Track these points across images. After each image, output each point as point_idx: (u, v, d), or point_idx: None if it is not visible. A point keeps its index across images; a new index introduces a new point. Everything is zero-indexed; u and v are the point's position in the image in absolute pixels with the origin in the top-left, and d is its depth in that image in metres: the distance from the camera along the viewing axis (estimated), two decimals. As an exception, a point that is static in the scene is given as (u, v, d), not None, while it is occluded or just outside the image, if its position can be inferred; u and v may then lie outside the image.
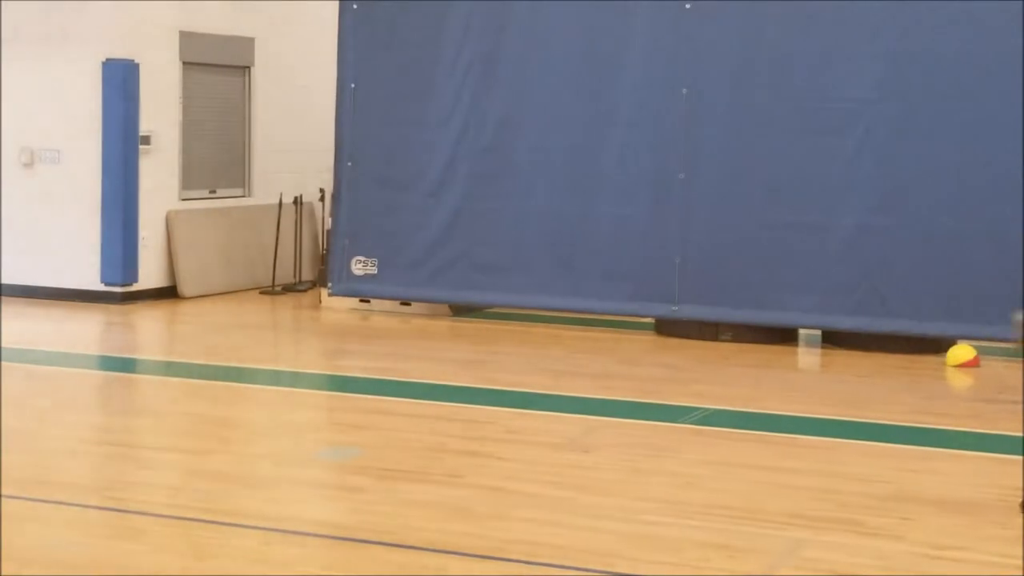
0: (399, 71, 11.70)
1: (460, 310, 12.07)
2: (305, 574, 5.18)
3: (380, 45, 11.76)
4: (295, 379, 9.37)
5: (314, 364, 10.33)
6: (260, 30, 13.55)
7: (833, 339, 10.67)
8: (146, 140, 12.32)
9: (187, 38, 12.78)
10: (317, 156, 13.05)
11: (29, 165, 12.41)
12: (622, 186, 11.01)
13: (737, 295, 10.63)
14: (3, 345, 10.07)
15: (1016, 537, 5.66)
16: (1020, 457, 6.90)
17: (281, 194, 13.49)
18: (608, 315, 11.39)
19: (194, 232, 12.81)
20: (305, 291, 13.32)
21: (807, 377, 10.10)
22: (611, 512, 5.98)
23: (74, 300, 12.20)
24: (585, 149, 11.14)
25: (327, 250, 12.49)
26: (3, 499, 6.04)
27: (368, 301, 12.12)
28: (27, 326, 11.07)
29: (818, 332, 10.83)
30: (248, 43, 13.50)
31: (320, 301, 12.44)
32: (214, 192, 13.33)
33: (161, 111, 12.52)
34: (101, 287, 12.20)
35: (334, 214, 12.06)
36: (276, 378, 9.28)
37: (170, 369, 9.87)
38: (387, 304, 12.08)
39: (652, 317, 11.17)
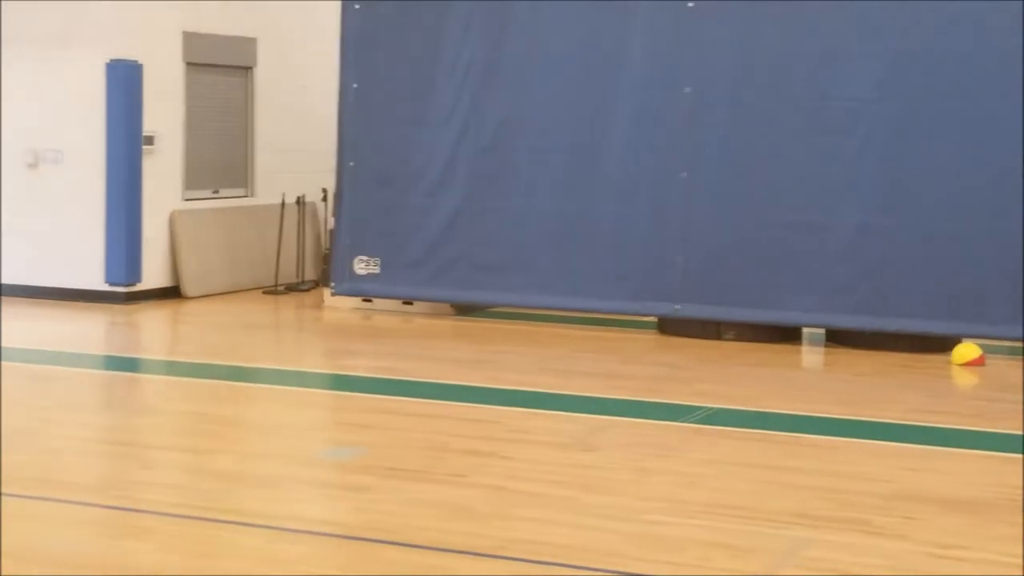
0: (401, 71, 11.71)
1: (463, 309, 12.08)
2: (309, 573, 5.19)
3: (382, 45, 11.77)
4: (298, 378, 9.38)
5: (317, 363, 10.34)
6: (262, 31, 13.56)
7: (836, 338, 10.68)
8: (149, 140, 12.34)
9: (190, 39, 12.79)
10: (319, 156, 13.05)
11: (33, 166, 12.42)
12: (624, 185, 11.01)
13: (740, 294, 10.63)
14: (7, 345, 10.08)
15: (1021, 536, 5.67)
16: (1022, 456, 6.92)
17: (284, 194, 13.50)
18: (611, 314, 11.39)
19: (197, 232, 12.82)
20: (308, 291, 13.33)
21: (810, 376, 10.10)
22: (615, 511, 5.98)
23: (78, 300, 12.21)
24: (587, 148, 11.14)
25: (330, 250, 12.50)
26: (8, 498, 6.05)
27: (371, 300, 12.13)
28: (31, 326, 11.09)
29: (821, 331, 10.83)
30: (250, 43, 13.51)
31: (323, 301, 12.45)
32: (217, 192, 13.34)
33: (164, 111, 12.54)
34: (105, 287, 12.21)
35: (336, 214, 12.07)
36: (280, 377, 9.29)
37: (174, 369, 9.88)
38: (390, 303, 12.09)
39: (655, 316, 11.17)
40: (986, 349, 9.98)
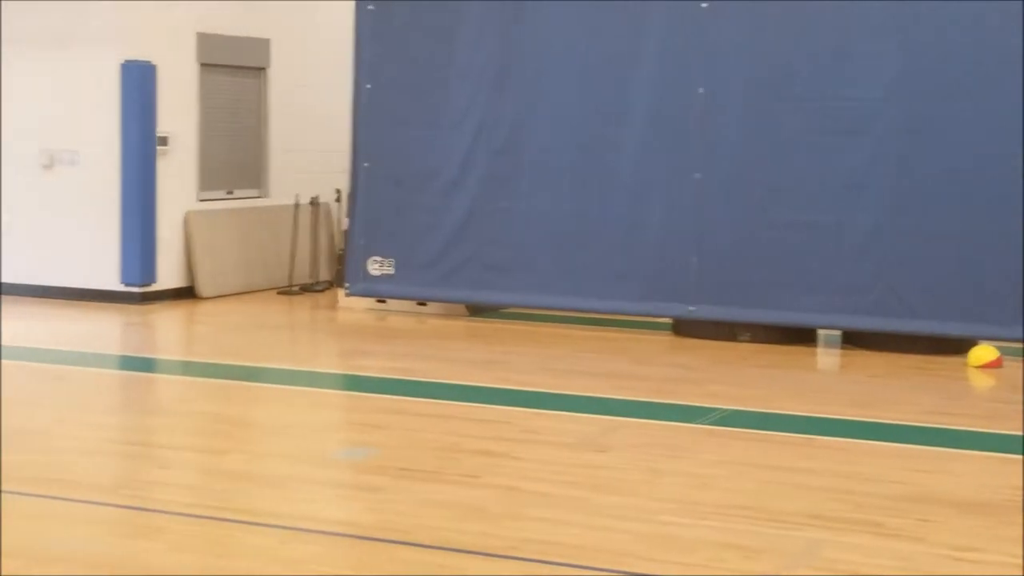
0: (414, 72, 11.71)
1: (476, 310, 12.08)
2: (322, 573, 5.19)
3: (395, 46, 11.78)
4: (312, 379, 9.39)
5: (331, 364, 10.35)
6: (276, 32, 13.58)
7: (852, 339, 10.64)
8: (163, 141, 12.36)
9: (204, 40, 12.82)
10: (333, 157, 13.07)
11: (48, 167, 12.46)
12: (637, 186, 11.00)
13: (754, 295, 10.61)
14: (23, 345, 10.13)
15: (1034, 538, 5.65)
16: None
17: (298, 195, 13.52)
18: (624, 316, 11.37)
19: (212, 233, 12.85)
20: (322, 291, 13.35)
21: (825, 377, 10.08)
22: (627, 512, 5.98)
23: (93, 300, 12.24)
24: (600, 150, 11.13)
25: (344, 250, 12.51)
26: (22, 498, 6.07)
27: (385, 301, 12.14)
28: (46, 326, 11.12)
29: (837, 332, 10.80)
30: (264, 44, 13.53)
31: (337, 301, 12.47)
32: (231, 193, 13.37)
33: (178, 112, 12.57)
34: (120, 287, 12.24)
35: (351, 214, 12.08)
36: (293, 378, 9.30)
37: (188, 369, 9.90)
38: (404, 304, 12.09)
39: (668, 318, 11.16)
40: (1004, 351, 9.93)
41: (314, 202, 13.61)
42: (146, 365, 10.07)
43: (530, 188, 11.36)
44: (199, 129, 12.88)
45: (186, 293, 12.66)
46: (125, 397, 8.99)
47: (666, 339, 11.05)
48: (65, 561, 5.24)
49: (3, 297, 12.39)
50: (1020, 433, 7.67)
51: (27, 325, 11.12)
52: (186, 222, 12.67)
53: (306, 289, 13.39)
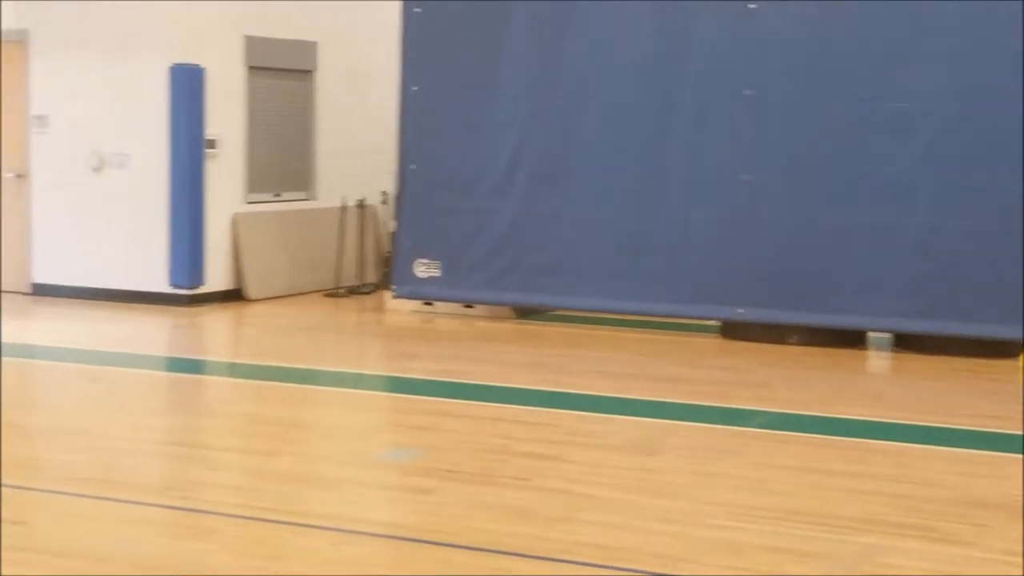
0: (461, 73, 11.71)
1: (523, 312, 12.05)
2: (371, 575, 5.18)
3: (442, 48, 11.78)
4: (359, 381, 9.40)
5: (378, 366, 10.36)
6: (323, 34, 13.62)
7: (903, 342, 10.54)
8: (212, 144, 12.42)
9: (252, 43, 12.87)
10: (380, 159, 13.09)
11: (98, 169, 12.54)
12: (686, 188, 10.94)
13: (804, 297, 10.52)
14: (72, 347, 10.21)
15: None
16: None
17: (344, 197, 13.55)
18: (672, 318, 11.32)
19: (259, 235, 12.89)
20: (369, 293, 13.36)
21: (876, 381, 9.99)
22: (678, 516, 5.93)
23: (142, 302, 12.31)
24: (648, 151, 11.07)
25: (390, 253, 12.52)
26: (72, 498, 6.11)
27: (432, 304, 12.14)
28: (96, 328, 11.19)
29: (888, 335, 10.70)
30: (311, 47, 13.57)
31: (384, 303, 12.47)
32: (279, 195, 13.41)
33: (226, 115, 12.62)
34: (169, 290, 12.30)
35: (397, 217, 12.08)
36: (341, 380, 9.31)
37: (236, 370, 9.93)
38: (451, 306, 12.08)
39: (717, 320, 11.09)
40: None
41: (361, 204, 13.63)
42: (194, 367, 10.11)
43: (577, 190, 11.31)
44: (247, 132, 12.92)
45: (234, 295, 12.70)
46: (173, 398, 9.03)
47: (714, 341, 10.98)
48: (116, 562, 5.26)
49: (53, 299, 12.49)
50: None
51: (76, 327, 11.20)
52: (234, 224, 12.72)
53: (353, 291, 13.41)
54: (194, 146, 12.24)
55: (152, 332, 11.27)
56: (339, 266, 13.48)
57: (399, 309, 12.24)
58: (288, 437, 7.70)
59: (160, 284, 12.31)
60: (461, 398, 8.56)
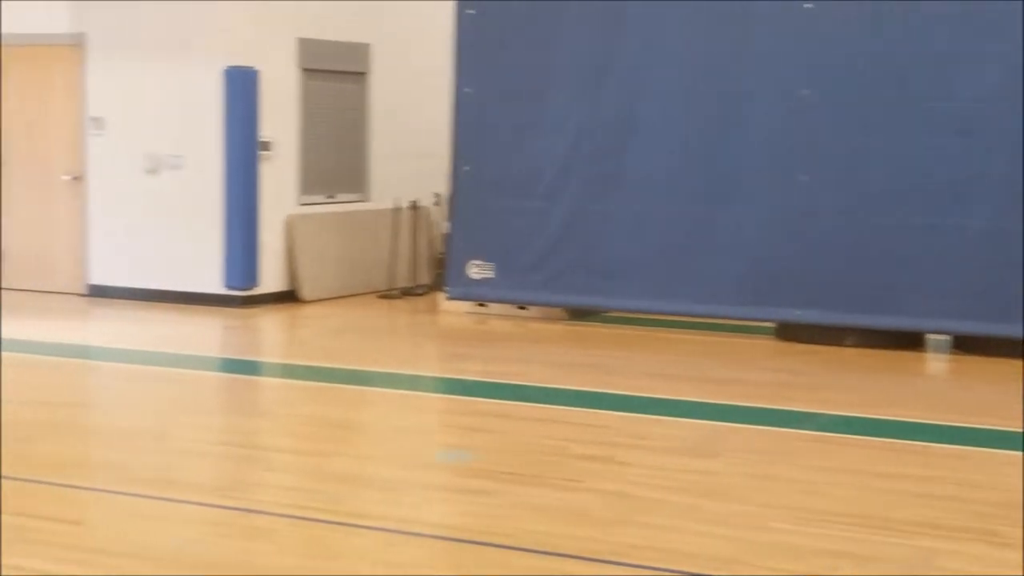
0: (514, 75, 11.69)
1: (577, 314, 12.01)
2: (427, 575, 5.18)
3: (495, 49, 11.77)
4: (413, 382, 9.40)
5: (432, 367, 10.35)
6: (376, 36, 13.64)
7: (962, 344, 10.40)
8: (266, 146, 12.47)
9: (305, 45, 12.91)
10: (433, 161, 13.09)
11: (153, 171, 12.62)
12: (742, 189, 10.86)
13: (861, 299, 10.42)
14: (128, 347, 10.28)
15: None
16: None
17: (397, 199, 13.56)
18: (728, 319, 11.24)
19: (313, 237, 12.93)
20: (422, 295, 13.37)
21: (935, 383, 9.87)
22: (736, 519, 5.88)
23: (197, 304, 12.37)
24: (703, 152, 11.01)
25: (444, 254, 12.52)
26: (131, 498, 6.14)
27: (485, 305, 12.12)
28: (152, 329, 11.27)
29: (947, 337, 10.56)
30: (365, 49, 13.60)
31: (437, 305, 12.47)
32: (332, 197, 13.45)
33: (280, 117, 12.67)
34: (224, 291, 12.37)
35: (451, 218, 12.08)
36: (395, 381, 9.31)
37: (291, 372, 9.96)
38: (504, 308, 12.06)
39: (773, 321, 11.00)
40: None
41: (414, 206, 13.64)
42: (249, 368, 10.15)
43: (632, 191, 11.26)
44: (301, 133, 12.97)
45: (288, 296, 12.75)
46: (229, 399, 9.07)
47: (769, 343, 10.89)
48: (170, 562, 5.27)
49: (108, 301, 12.59)
50: None
51: (131, 328, 11.28)
52: (288, 226, 12.77)
53: (406, 293, 13.43)
54: (248, 148, 12.30)
55: (207, 333, 11.33)
56: (392, 267, 13.50)
57: (452, 310, 12.24)
58: (342, 438, 7.71)
59: (215, 285, 12.38)
60: (515, 399, 8.53)
